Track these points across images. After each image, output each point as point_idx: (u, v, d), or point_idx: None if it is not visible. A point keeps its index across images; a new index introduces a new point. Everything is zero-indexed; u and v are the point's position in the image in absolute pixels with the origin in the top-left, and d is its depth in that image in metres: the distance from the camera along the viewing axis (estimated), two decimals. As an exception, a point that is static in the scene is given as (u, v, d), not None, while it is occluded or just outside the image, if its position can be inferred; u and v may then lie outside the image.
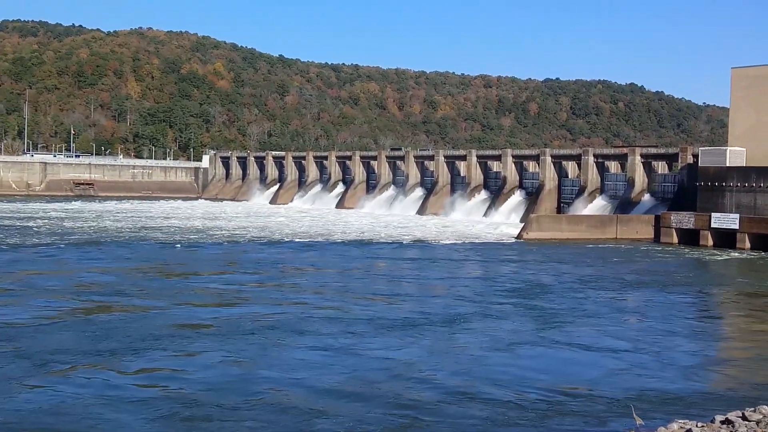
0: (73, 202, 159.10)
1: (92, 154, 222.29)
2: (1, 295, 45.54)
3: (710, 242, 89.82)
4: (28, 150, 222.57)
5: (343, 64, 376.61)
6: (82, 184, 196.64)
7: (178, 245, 77.94)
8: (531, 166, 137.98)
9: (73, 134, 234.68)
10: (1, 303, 42.64)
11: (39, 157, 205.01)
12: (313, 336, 35.62)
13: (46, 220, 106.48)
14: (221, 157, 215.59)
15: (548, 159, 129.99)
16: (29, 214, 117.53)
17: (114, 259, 65.08)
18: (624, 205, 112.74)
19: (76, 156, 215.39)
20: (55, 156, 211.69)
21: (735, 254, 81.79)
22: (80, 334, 34.96)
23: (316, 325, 38.01)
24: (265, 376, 28.71)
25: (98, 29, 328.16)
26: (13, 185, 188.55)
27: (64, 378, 28.20)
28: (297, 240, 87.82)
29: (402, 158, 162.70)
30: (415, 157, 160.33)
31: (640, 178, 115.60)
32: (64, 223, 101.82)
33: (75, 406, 25.12)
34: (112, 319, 38.72)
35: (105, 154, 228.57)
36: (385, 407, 25.30)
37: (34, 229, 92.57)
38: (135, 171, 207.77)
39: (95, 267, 59.85)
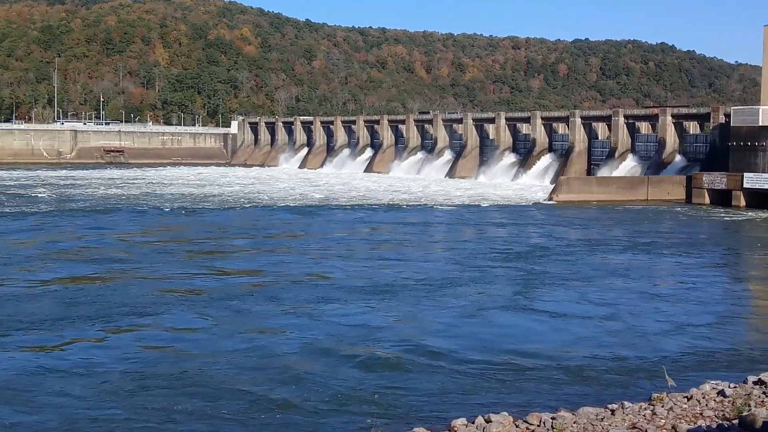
0: (104, 170, 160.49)
1: (122, 122, 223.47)
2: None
3: (742, 203, 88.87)
4: (59, 118, 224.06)
5: (370, 27, 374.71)
6: (113, 151, 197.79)
7: (183, 211, 77.62)
8: (560, 128, 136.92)
9: (103, 102, 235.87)
10: None
11: (69, 125, 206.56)
12: (291, 302, 34.95)
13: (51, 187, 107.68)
14: (249, 123, 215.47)
15: (578, 120, 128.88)
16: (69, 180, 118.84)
17: (116, 226, 64.55)
18: (655, 166, 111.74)
19: (105, 123, 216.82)
20: (85, 124, 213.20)
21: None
22: (54, 301, 34.61)
23: (300, 291, 37.37)
24: (223, 344, 28.19)
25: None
26: (45, 153, 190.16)
27: (20, 344, 27.98)
28: (310, 204, 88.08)
29: (430, 122, 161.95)
30: (444, 120, 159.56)
31: (671, 138, 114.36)
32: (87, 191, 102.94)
33: (10, 374, 24.64)
34: (92, 287, 38.14)
35: (134, 121, 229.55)
36: (341, 374, 24.81)
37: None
38: (164, 138, 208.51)
39: (93, 233, 59.47)
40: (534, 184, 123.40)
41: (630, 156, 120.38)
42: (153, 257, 47.77)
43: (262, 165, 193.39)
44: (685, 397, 20.20)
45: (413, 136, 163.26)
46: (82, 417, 21.10)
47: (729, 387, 20.84)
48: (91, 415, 21.22)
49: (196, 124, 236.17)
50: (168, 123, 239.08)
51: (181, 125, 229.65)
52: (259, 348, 27.89)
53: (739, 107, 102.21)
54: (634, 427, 17.82)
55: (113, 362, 26.07)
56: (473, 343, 28.73)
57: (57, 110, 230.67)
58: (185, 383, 23.96)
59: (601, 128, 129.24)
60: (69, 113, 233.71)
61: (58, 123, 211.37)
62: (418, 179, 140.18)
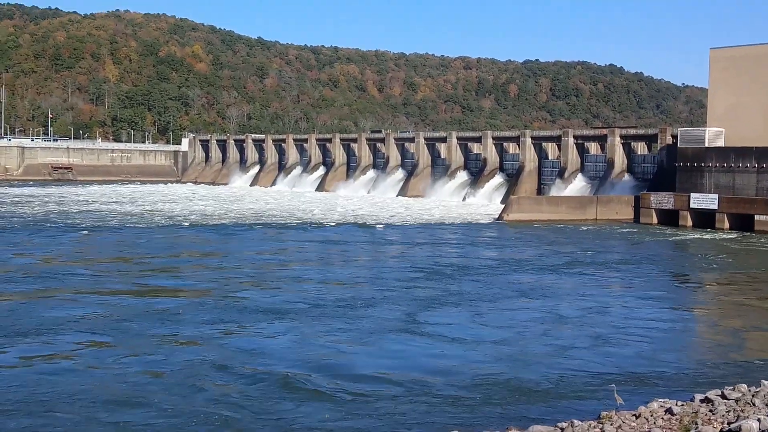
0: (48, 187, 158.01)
1: (70, 138, 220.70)
2: None
3: (689, 222, 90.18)
4: (5, 134, 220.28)
5: (323, 46, 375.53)
6: (61, 168, 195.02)
7: (84, 230, 74.68)
8: (511, 148, 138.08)
9: (51, 118, 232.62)
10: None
11: (16, 141, 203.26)
12: (184, 325, 33.80)
13: None
14: (201, 141, 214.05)
15: (528, 140, 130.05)
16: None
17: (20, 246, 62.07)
18: (604, 185, 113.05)
19: (54, 140, 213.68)
20: (32, 140, 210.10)
21: (713, 235, 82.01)
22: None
23: (199, 313, 36.14)
24: (111, 366, 27.45)
25: (75, 12, 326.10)
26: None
27: None
28: (257, 222, 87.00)
29: (382, 140, 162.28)
30: (396, 139, 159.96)
31: (619, 159, 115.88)
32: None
33: None
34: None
35: (83, 138, 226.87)
36: (210, 402, 23.95)
37: None
38: (114, 155, 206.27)
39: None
40: (485, 203, 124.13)
41: (579, 176, 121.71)
42: (54, 279, 45.66)
43: (213, 182, 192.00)
44: (633, 415, 20.32)
45: (365, 155, 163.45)
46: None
47: (677, 405, 21.00)
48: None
49: (146, 142, 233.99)
50: (117, 140, 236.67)
51: (130, 142, 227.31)
52: (180, 368, 27.19)
53: (686, 128, 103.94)
54: (584, 446, 17.87)
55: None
56: (411, 365, 28.53)
57: (4, 126, 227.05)
58: (67, 406, 23.20)
59: (551, 148, 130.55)
60: (16, 129, 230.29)
61: (5, 139, 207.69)
62: (369, 198, 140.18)
